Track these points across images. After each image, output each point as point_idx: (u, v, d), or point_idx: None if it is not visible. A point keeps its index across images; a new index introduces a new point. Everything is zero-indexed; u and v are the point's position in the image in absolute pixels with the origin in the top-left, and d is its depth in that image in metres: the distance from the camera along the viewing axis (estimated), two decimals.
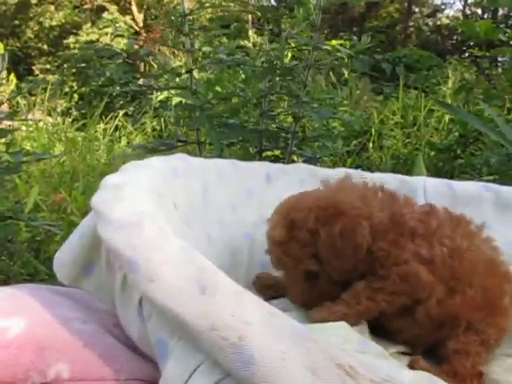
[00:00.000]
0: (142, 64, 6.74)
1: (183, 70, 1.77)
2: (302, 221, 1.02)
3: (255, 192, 1.31)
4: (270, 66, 1.59)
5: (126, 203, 0.81)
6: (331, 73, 4.91)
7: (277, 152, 1.89)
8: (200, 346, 0.62)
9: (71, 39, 8.35)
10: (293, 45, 1.94)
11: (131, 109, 5.21)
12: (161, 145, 1.61)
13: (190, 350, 0.63)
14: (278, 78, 1.74)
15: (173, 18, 1.65)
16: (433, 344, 1.02)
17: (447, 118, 3.55)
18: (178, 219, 1.01)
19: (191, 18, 1.62)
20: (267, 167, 1.38)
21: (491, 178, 2.36)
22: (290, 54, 3.91)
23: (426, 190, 1.45)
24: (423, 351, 1.01)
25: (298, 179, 1.38)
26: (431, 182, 1.50)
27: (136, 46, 6.77)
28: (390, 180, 1.46)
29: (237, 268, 1.22)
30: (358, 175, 1.41)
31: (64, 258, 0.95)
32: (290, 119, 2.11)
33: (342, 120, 2.61)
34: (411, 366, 0.95)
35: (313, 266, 1.02)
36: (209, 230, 1.15)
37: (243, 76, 2.01)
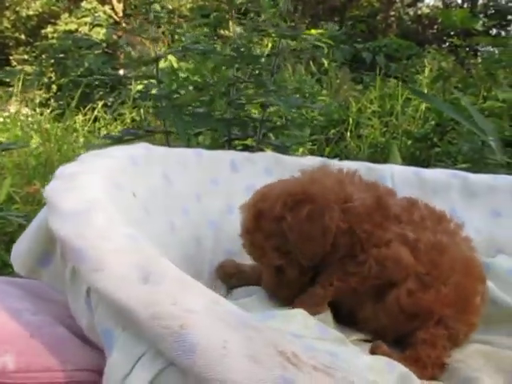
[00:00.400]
0: (122, 54, 6.64)
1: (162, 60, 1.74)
2: (268, 210, 1.01)
3: (220, 181, 1.30)
4: (238, 54, 1.58)
5: (76, 193, 0.80)
6: (311, 62, 4.90)
7: (248, 141, 1.87)
8: (143, 335, 0.61)
9: (49, 29, 8.18)
10: (273, 34, 1.91)
11: (110, 99, 5.13)
12: (127, 135, 1.59)
13: (133, 340, 0.63)
14: (249, 67, 1.72)
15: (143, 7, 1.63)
16: (402, 335, 1.02)
17: (424, 106, 3.56)
18: (138, 208, 1.00)
19: (171, 7, 1.59)
20: (232, 156, 1.37)
21: (464, 166, 2.37)
22: (270, 44, 3.87)
23: (394, 178, 1.45)
24: (391, 341, 1.01)
25: (264, 167, 1.37)
26: (399, 169, 1.50)
27: (115, 36, 6.68)
28: (360, 168, 1.45)
29: (201, 255, 1.21)
30: (331, 164, 1.41)
31: (20, 248, 0.94)
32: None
33: (312, 108, 2.60)
34: (373, 352, 0.96)
35: (276, 261, 1.03)
36: (172, 217, 1.14)
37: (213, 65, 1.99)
